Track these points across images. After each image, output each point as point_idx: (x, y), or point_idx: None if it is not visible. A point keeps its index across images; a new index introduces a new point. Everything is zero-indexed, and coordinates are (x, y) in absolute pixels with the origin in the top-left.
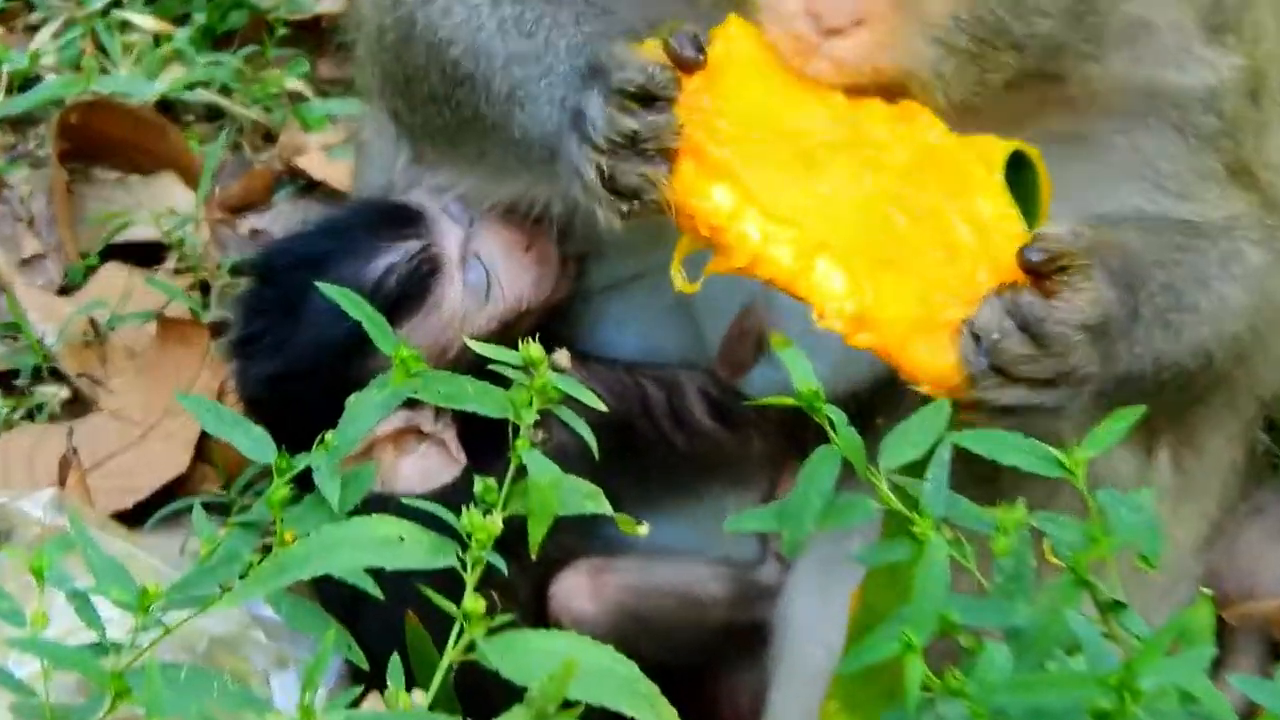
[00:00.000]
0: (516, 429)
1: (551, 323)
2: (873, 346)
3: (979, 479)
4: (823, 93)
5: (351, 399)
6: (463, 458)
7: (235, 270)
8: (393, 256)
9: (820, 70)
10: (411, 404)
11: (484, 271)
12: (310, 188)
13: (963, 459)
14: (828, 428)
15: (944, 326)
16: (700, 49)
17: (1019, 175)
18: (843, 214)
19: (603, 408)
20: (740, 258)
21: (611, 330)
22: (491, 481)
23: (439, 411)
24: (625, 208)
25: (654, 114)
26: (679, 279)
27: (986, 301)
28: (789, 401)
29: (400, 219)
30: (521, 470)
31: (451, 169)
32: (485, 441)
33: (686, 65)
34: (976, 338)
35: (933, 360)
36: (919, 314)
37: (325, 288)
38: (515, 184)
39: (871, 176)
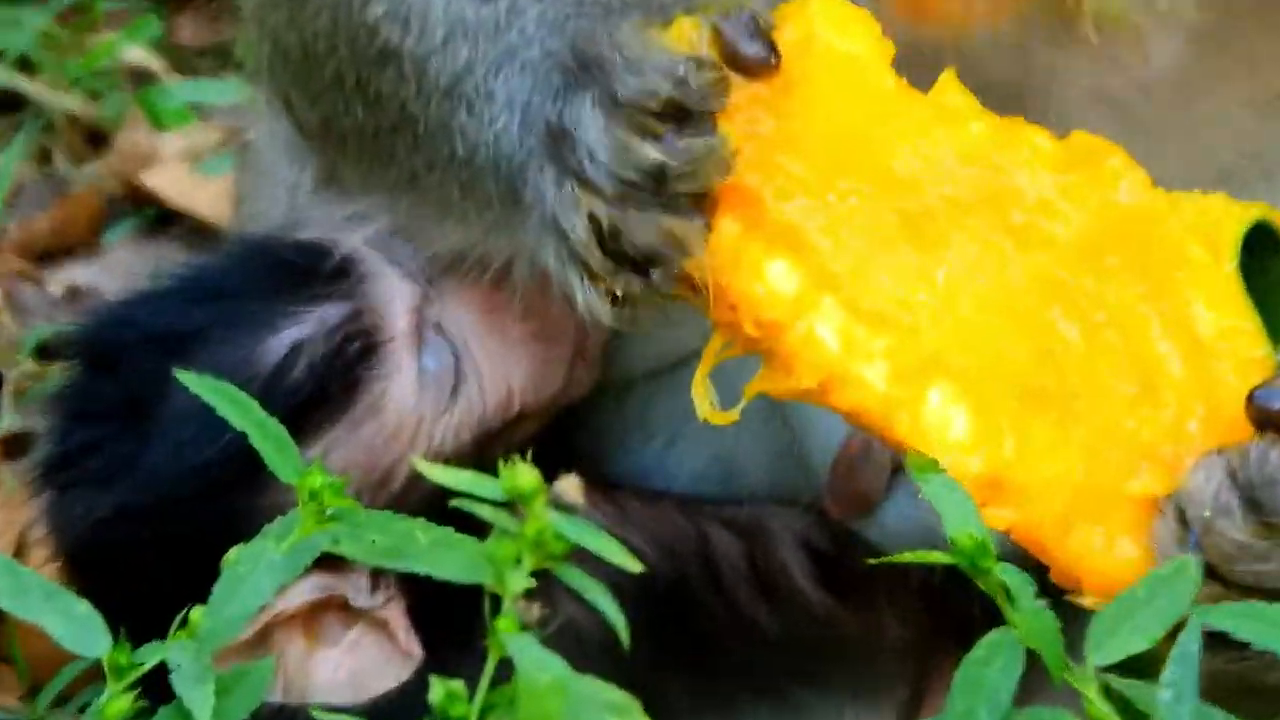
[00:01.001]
0: (498, 602)
1: (560, 435)
2: (1012, 529)
3: (1236, 683)
4: (949, 114)
5: (233, 555)
6: (416, 648)
7: (45, 352)
8: (303, 330)
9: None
10: (333, 564)
11: (450, 353)
12: (164, 221)
13: (1213, 645)
14: (1001, 600)
15: (1128, 504)
16: (771, 44)
17: (1263, 262)
18: (973, 315)
19: (638, 568)
20: (805, 375)
21: (656, 445)
22: (460, 686)
23: (377, 577)
24: (627, 287)
25: (690, 136)
26: (704, 402)
27: (1202, 465)
28: (940, 557)
29: (315, 270)
30: (507, 667)
31: (373, 198)
32: (450, 623)
33: (748, 67)
34: (1184, 521)
35: (1107, 556)
36: (1087, 481)
37: (190, 379)
38: (460, 229)
39: (1022, 256)
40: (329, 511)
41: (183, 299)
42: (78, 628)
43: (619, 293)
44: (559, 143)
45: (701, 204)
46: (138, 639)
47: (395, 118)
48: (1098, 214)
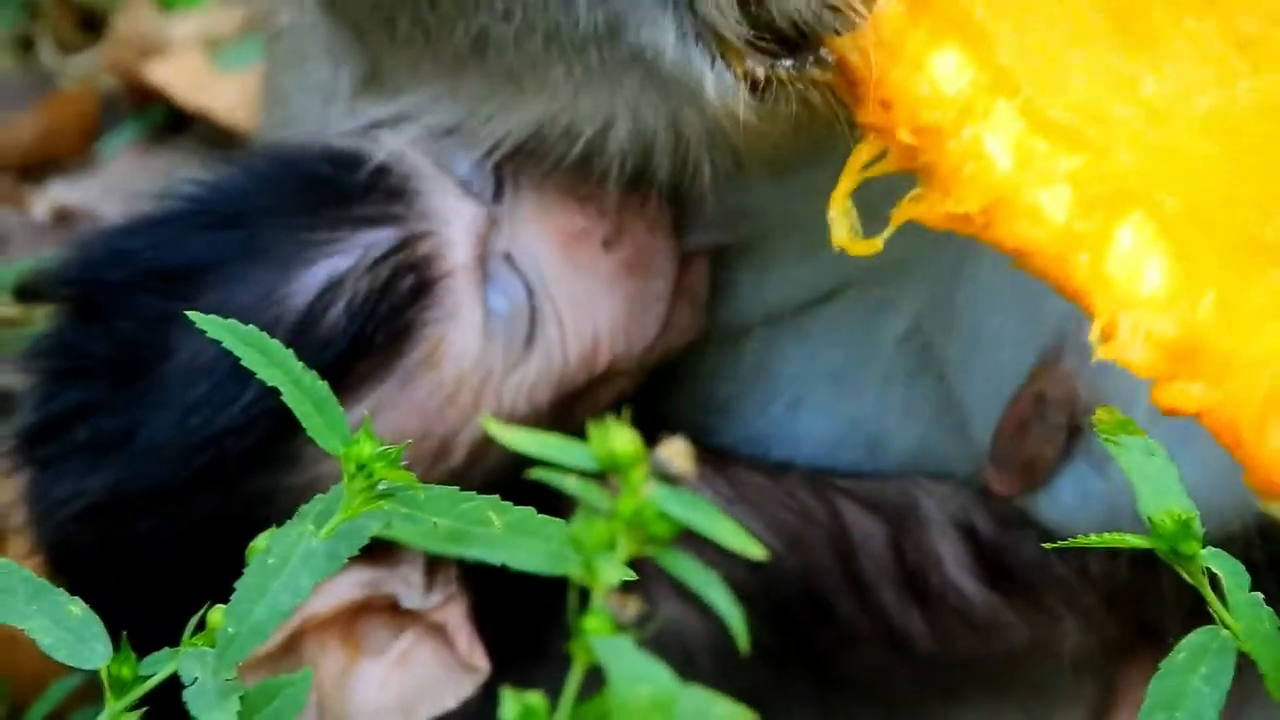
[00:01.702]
0: (586, 597)
1: (657, 396)
2: (1202, 412)
3: None
4: None
5: (261, 542)
6: (480, 659)
7: (26, 292)
8: (340, 262)
9: None
10: (379, 556)
11: (523, 291)
12: (174, 125)
13: None
14: (1208, 594)
15: None
16: None
17: None
18: (1185, 140)
19: (761, 555)
20: (967, 196)
21: (778, 407)
22: (539, 700)
23: (433, 571)
24: (770, 68)
25: None
26: (842, 228)
27: None
28: (1133, 540)
29: (355, 187)
30: (596, 678)
31: (425, 88)
32: (522, 628)
33: None
34: None
35: None
36: None
37: (205, 321)
38: (542, 97)
39: (1255, 78)
40: (380, 488)
41: (192, 226)
42: (71, 634)
43: (760, 75)
44: None
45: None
46: (142, 648)
47: None
48: None
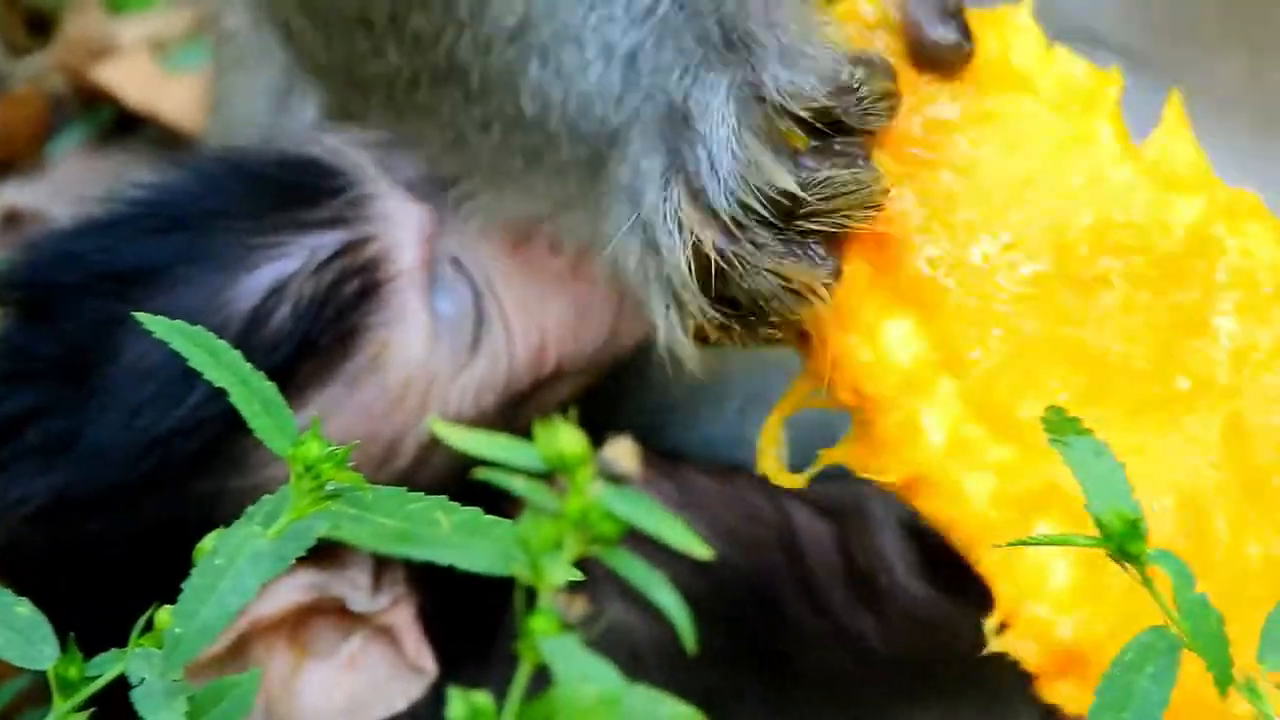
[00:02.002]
0: (533, 597)
1: (605, 400)
2: (1074, 713)
3: None
4: (1168, 181)
5: (208, 543)
6: (428, 661)
7: None
8: (286, 265)
9: None
10: (326, 558)
11: (470, 294)
12: (123, 126)
13: None
14: (1155, 594)
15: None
16: (964, 27)
17: None
18: (1133, 453)
19: (707, 555)
20: (892, 466)
21: (729, 409)
22: (485, 700)
23: (380, 573)
24: (721, 330)
25: (835, 161)
26: (770, 457)
27: None
28: (1083, 540)
29: (302, 190)
30: (543, 678)
31: (401, 136)
32: (473, 629)
33: (934, 56)
34: None
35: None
36: (1196, 683)
37: (152, 322)
38: (524, 202)
39: (1195, 408)
40: (328, 489)
41: (139, 229)
42: (18, 635)
43: (710, 335)
44: (676, 129)
45: (834, 245)
46: (89, 649)
47: (440, 66)
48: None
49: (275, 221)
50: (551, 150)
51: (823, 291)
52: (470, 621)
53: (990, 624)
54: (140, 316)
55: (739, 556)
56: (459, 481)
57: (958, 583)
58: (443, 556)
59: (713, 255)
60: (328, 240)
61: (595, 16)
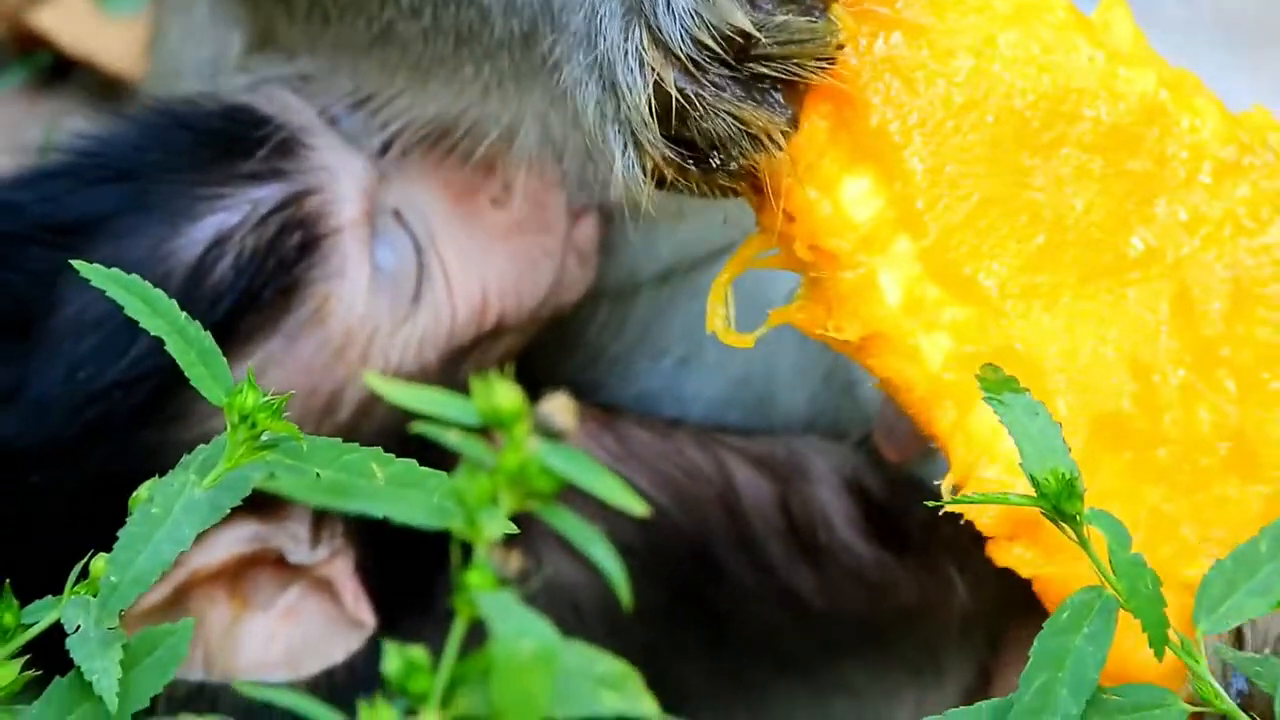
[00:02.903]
0: (468, 552)
1: (546, 354)
2: (1036, 578)
3: None
4: (1117, 56)
5: (144, 491)
6: (367, 614)
7: None
8: (228, 217)
9: None
10: (265, 509)
11: (411, 247)
12: (59, 72)
13: None
14: (1091, 553)
15: (1175, 590)
16: None
17: None
18: (1074, 317)
19: (644, 511)
20: (848, 323)
21: (668, 364)
22: (421, 655)
23: (319, 526)
24: (679, 172)
25: (796, 5)
26: (718, 317)
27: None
28: (1019, 499)
29: (244, 141)
30: (479, 633)
31: (325, 59)
32: (408, 583)
33: None
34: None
35: (1136, 651)
36: (1140, 552)
37: (90, 271)
38: (449, 91)
39: (1154, 271)
40: (264, 439)
41: (82, 179)
42: None
43: (667, 176)
44: None
45: (793, 95)
46: (25, 598)
47: None
48: (1258, 249)
49: (218, 173)
50: (485, 26)
51: (779, 138)
52: (410, 576)
53: (945, 485)
54: (77, 265)
55: (678, 511)
56: (401, 435)
57: (896, 538)
58: (377, 509)
59: (673, 94)
60: (270, 193)
61: None
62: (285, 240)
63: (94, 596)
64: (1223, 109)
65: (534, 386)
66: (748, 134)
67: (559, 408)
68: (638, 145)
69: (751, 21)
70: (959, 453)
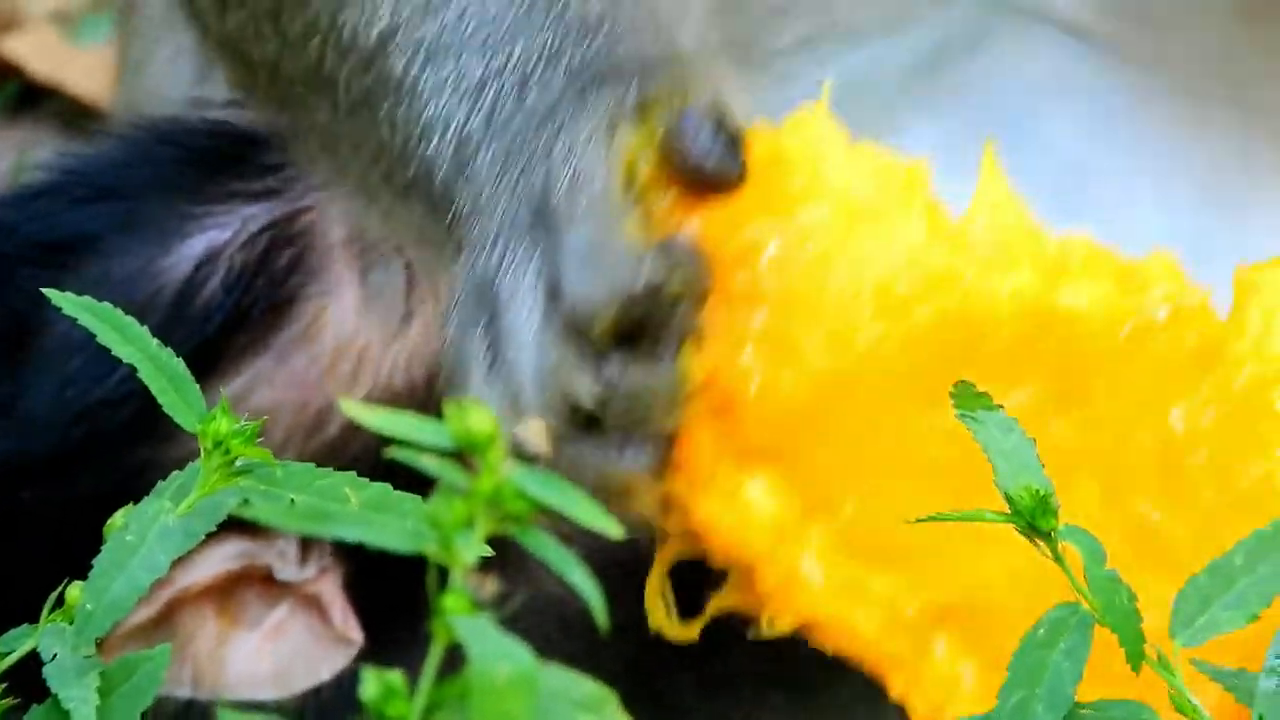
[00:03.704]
0: (445, 575)
1: None
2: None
3: None
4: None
5: (119, 519)
6: (355, 631)
7: None
8: (219, 235)
9: None
10: (255, 528)
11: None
12: (28, 99)
13: None
14: (1066, 569)
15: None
16: (733, 142)
17: None
18: (984, 559)
19: (619, 533)
20: (782, 615)
21: None
22: (398, 679)
23: (308, 543)
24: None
25: (642, 365)
26: (659, 610)
27: None
28: (993, 516)
29: (234, 158)
30: (456, 656)
31: (290, 121)
32: (399, 600)
33: (705, 180)
34: None
35: None
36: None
37: (62, 299)
38: (383, 218)
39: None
40: (238, 464)
41: (71, 198)
42: None
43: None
44: (488, 308)
45: (655, 438)
46: (5, 622)
47: (311, 69)
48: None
49: (208, 191)
50: (414, 191)
51: (642, 491)
52: (398, 593)
53: None
54: (48, 292)
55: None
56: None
57: None
58: (352, 534)
59: (556, 374)
60: (260, 210)
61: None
62: (276, 258)
63: (70, 624)
64: (1116, 263)
65: None
66: (611, 489)
67: (533, 432)
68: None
69: (593, 396)
70: (919, 707)
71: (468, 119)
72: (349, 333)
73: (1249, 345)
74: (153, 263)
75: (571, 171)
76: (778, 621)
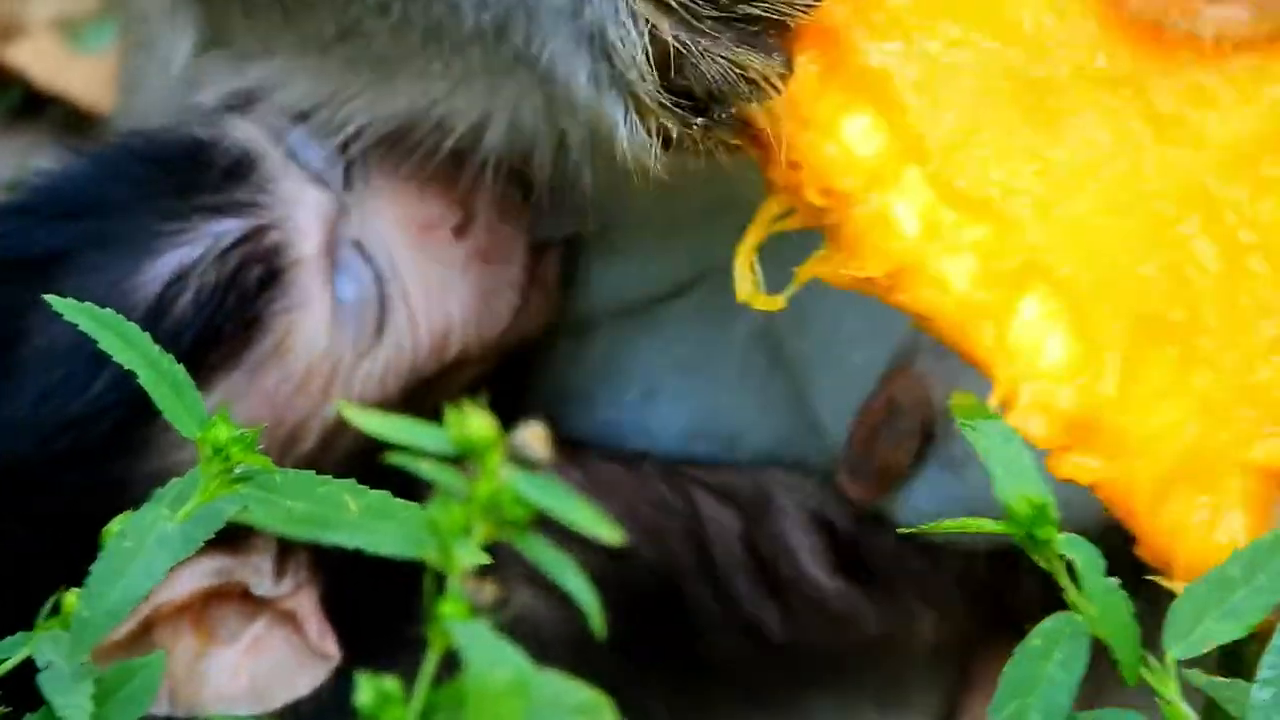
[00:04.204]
0: (441, 582)
1: (507, 386)
2: (1098, 484)
3: None
4: None
5: (116, 526)
6: (331, 646)
7: None
8: (189, 252)
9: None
10: (229, 543)
11: (373, 279)
12: (31, 107)
13: None
14: (1063, 580)
15: (1248, 473)
16: None
17: None
18: (1091, 216)
19: (617, 539)
20: (872, 261)
21: (632, 397)
22: (395, 686)
23: (283, 559)
24: (682, 127)
25: None
26: (746, 282)
27: None
28: (991, 526)
29: (203, 174)
30: (452, 664)
31: (280, 60)
32: (372, 615)
33: None
34: None
35: (1209, 534)
36: (1202, 438)
37: (63, 305)
38: (416, 86)
39: (1166, 155)
40: (237, 471)
41: (43, 216)
42: None
43: (672, 133)
44: None
45: (782, 36)
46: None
47: None
48: (1266, 112)
49: (179, 208)
50: (456, 20)
51: (777, 82)
52: (374, 608)
53: (992, 403)
54: (50, 299)
55: (645, 544)
56: (364, 465)
57: (861, 572)
58: (351, 540)
59: (670, 42)
60: (230, 226)
61: None
62: (246, 274)
63: (66, 631)
64: None
65: (500, 417)
66: (745, 79)
67: (533, 437)
68: (638, 106)
69: None
70: (1001, 372)
71: None
72: (321, 348)
73: None
74: (124, 280)
75: None
76: (867, 267)
